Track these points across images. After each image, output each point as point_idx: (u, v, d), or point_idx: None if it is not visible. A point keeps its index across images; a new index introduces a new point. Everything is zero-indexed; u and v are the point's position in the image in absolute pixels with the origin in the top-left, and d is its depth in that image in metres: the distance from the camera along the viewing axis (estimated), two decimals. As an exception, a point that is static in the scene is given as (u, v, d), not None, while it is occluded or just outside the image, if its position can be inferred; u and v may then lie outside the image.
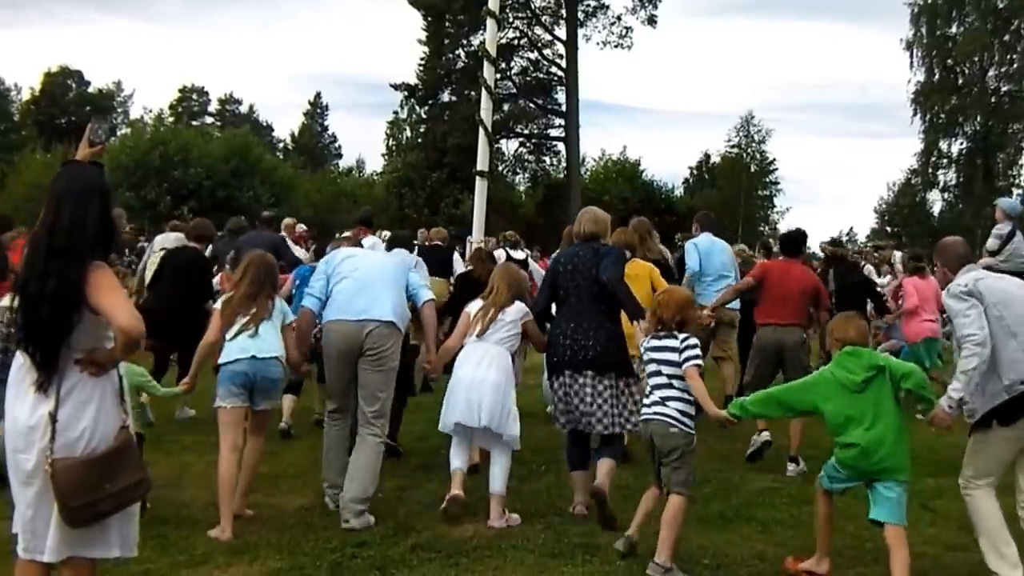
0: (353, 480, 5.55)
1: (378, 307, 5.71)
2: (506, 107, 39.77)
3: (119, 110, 66.48)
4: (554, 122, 42.06)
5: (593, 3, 41.08)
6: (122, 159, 34.67)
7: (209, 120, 69.49)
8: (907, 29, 45.03)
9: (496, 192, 27.06)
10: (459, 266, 10.65)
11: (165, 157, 36.14)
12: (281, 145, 68.71)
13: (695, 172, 59.26)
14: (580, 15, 40.34)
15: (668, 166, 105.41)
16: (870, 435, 4.56)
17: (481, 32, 35.67)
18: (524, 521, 5.55)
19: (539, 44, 41.14)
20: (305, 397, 9.03)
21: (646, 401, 5.08)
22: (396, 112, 51.89)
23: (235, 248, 9.56)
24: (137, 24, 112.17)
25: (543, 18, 40.87)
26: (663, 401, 4.96)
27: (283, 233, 11.80)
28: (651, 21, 41.01)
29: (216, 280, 9.75)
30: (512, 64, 40.65)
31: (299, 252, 9.84)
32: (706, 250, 9.13)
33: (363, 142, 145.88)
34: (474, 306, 6.07)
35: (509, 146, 43.12)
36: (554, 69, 40.92)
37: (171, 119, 58.59)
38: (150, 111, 60.56)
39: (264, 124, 71.53)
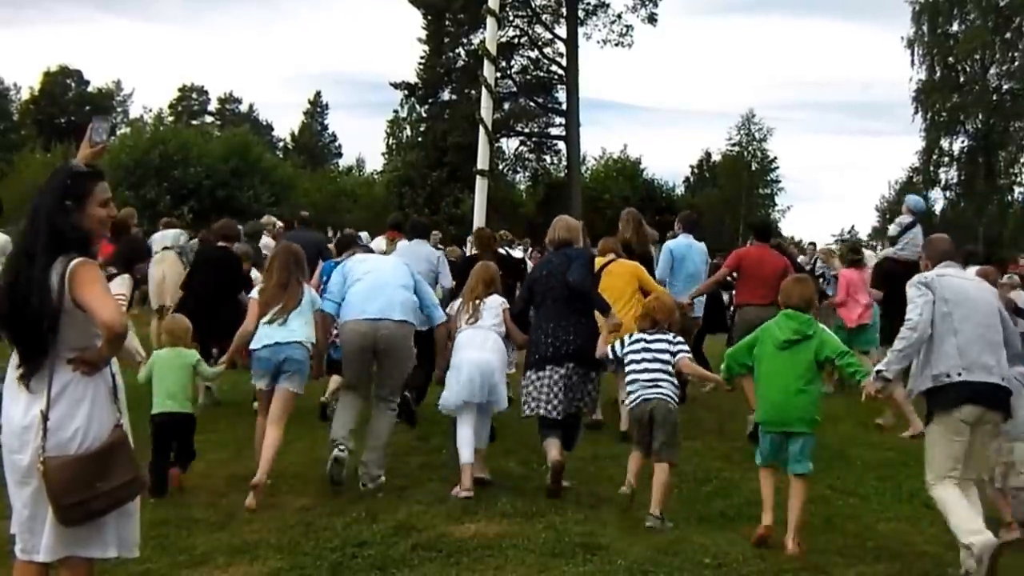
0: (372, 450, 6.30)
1: (391, 307, 6.28)
2: (506, 106, 39.72)
3: (119, 109, 66.42)
4: (554, 121, 41.99)
5: (593, 1, 41.07)
6: (122, 158, 34.60)
7: (209, 119, 69.39)
8: (908, 27, 44.86)
9: (496, 191, 27.06)
10: None
11: (165, 156, 36.02)
12: (281, 144, 68.62)
13: (696, 171, 59.27)
14: (580, 13, 40.25)
15: (669, 165, 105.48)
16: (782, 390, 5.24)
17: (481, 31, 35.61)
18: (525, 520, 5.54)
19: (539, 42, 41.09)
20: (304, 398, 9.03)
21: (638, 385, 5.79)
22: (396, 111, 51.85)
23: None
24: (137, 23, 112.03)
25: (543, 16, 40.80)
26: (657, 383, 5.73)
27: (265, 232, 11.90)
28: (651, 19, 40.96)
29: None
30: (512, 63, 40.60)
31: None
32: (681, 255, 9.32)
33: (363, 141, 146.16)
34: (455, 304, 6.80)
35: (509, 145, 43.10)
36: (554, 68, 40.85)
37: (171, 118, 58.47)
38: (150, 110, 60.56)
39: (264, 123, 71.51)
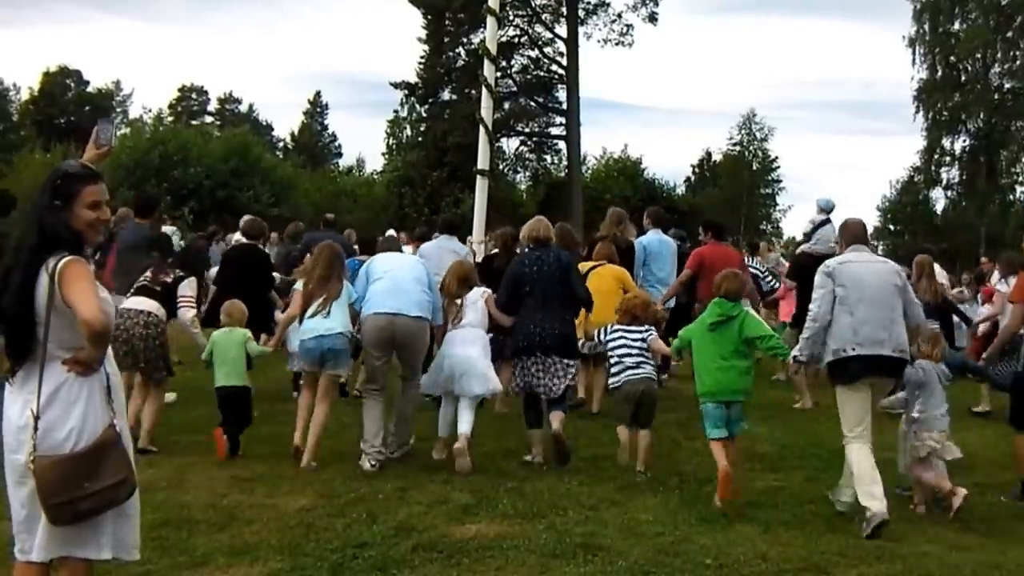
0: (399, 424, 7.18)
1: (407, 304, 6.96)
2: (507, 105, 39.71)
3: (118, 110, 66.40)
4: (555, 120, 42.00)
5: (594, 1, 41.06)
6: (122, 159, 34.57)
7: (209, 119, 69.43)
8: (910, 26, 44.98)
9: (497, 191, 27.01)
10: None
11: (164, 157, 36.03)
12: (281, 144, 68.66)
13: (697, 170, 59.25)
14: (581, 13, 40.26)
15: (670, 164, 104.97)
16: (717, 366, 6.16)
17: (481, 30, 35.60)
18: (526, 521, 5.54)
19: (540, 42, 41.09)
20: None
21: (623, 367, 6.93)
22: (396, 111, 51.79)
23: (304, 247, 10.75)
24: (136, 23, 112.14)
25: (543, 16, 40.81)
26: (640, 366, 6.92)
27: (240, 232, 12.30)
28: (652, 19, 41.00)
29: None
30: (513, 62, 40.61)
31: None
32: (653, 250, 10.18)
33: (363, 141, 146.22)
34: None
35: (510, 145, 43.12)
36: (555, 67, 40.85)
37: (170, 119, 58.46)
38: (149, 111, 60.52)
39: (264, 123, 71.52)
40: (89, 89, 66.12)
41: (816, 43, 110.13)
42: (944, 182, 47.29)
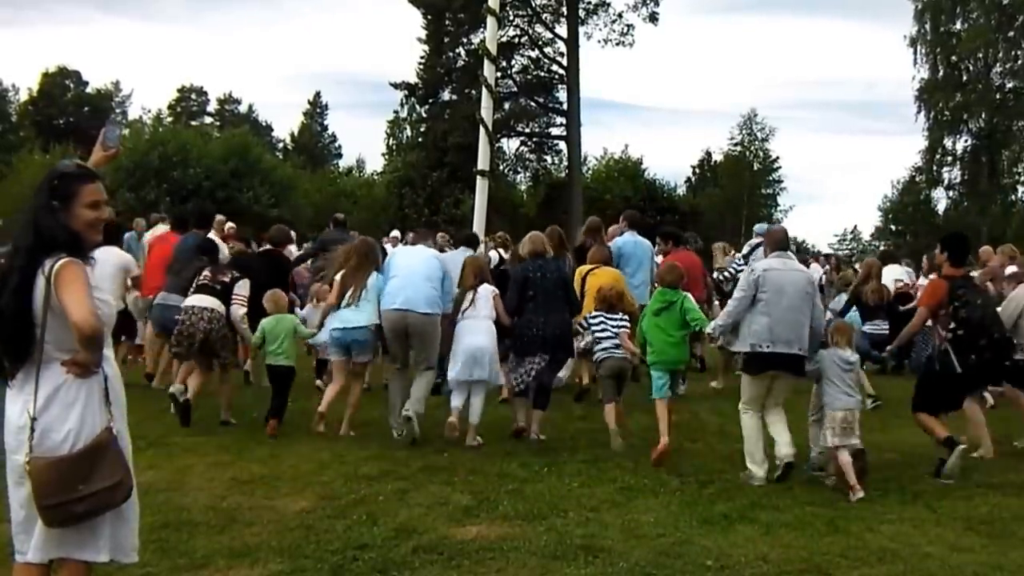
0: (414, 401, 7.78)
1: (416, 301, 7.82)
2: (507, 106, 39.67)
3: (117, 110, 66.37)
4: (555, 120, 41.95)
5: (594, 1, 41.03)
6: (121, 160, 34.46)
7: (208, 120, 69.36)
8: (911, 25, 44.90)
9: (497, 191, 27.01)
10: None
11: (164, 157, 36.00)
12: (281, 145, 68.60)
13: (698, 171, 59.23)
14: (581, 13, 40.20)
15: (670, 165, 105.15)
16: (662, 341, 7.53)
17: (481, 30, 35.58)
18: (526, 523, 5.53)
19: (540, 42, 41.03)
20: (304, 402, 9.02)
21: (607, 347, 7.97)
22: (396, 111, 51.90)
23: (320, 245, 11.51)
24: (136, 23, 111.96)
25: (544, 16, 40.74)
26: (617, 347, 7.95)
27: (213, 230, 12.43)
28: (652, 18, 40.91)
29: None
30: (513, 62, 40.56)
31: (225, 250, 10.26)
32: (629, 253, 10.62)
33: (363, 142, 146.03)
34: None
35: (510, 145, 43.03)
36: (555, 67, 40.78)
37: (170, 119, 58.41)
38: (148, 111, 60.52)
39: (263, 124, 71.46)
40: (88, 90, 66.14)
41: (817, 43, 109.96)
42: (946, 182, 47.28)
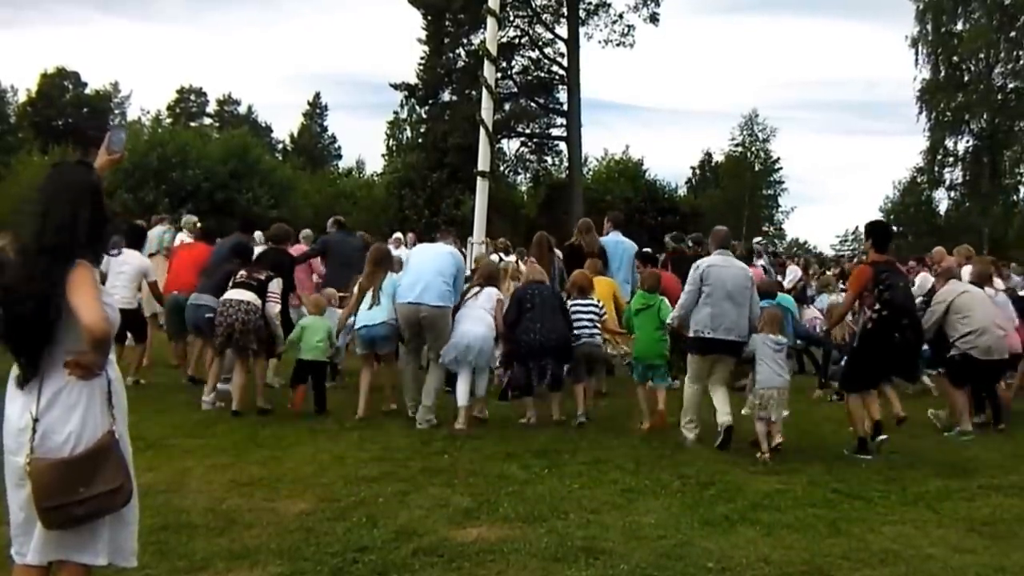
0: (428, 394, 8.60)
1: (427, 294, 8.54)
2: (507, 106, 39.70)
3: (116, 111, 66.34)
4: (556, 121, 41.98)
5: (594, 1, 41.04)
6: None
7: (207, 121, 69.28)
8: (912, 26, 44.86)
9: (497, 192, 26.98)
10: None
11: (163, 159, 35.94)
12: (280, 146, 68.54)
13: (698, 171, 59.27)
14: (581, 13, 40.24)
15: (671, 165, 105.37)
16: (644, 338, 8.72)
17: (481, 31, 35.59)
18: (527, 525, 5.51)
19: (540, 43, 41.06)
20: (302, 405, 9.02)
21: (579, 334, 8.85)
22: (396, 112, 51.87)
23: (322, 246, 11.97)
24: (135, 24, 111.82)
25: (544, 16, 40.78)
26: (592, 335, 8.94)
27: (184, 230, 13.28)
28: (653, 19, 40.97)
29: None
30: (513, 63, 40.58)
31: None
32: (611, 251, 11.18)
33: (363, 143, 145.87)
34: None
35: (510, 146, 43.10)
36: (555, 68, 40.82)
37: (169, 120, 58.28)
38: (147, 112, 60.39)
39: (263, 125, 71.40)
40: (87, 91, 65.98)
41: (818, 43, 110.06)
42: (947, 183, 47.23)
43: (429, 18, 40.10)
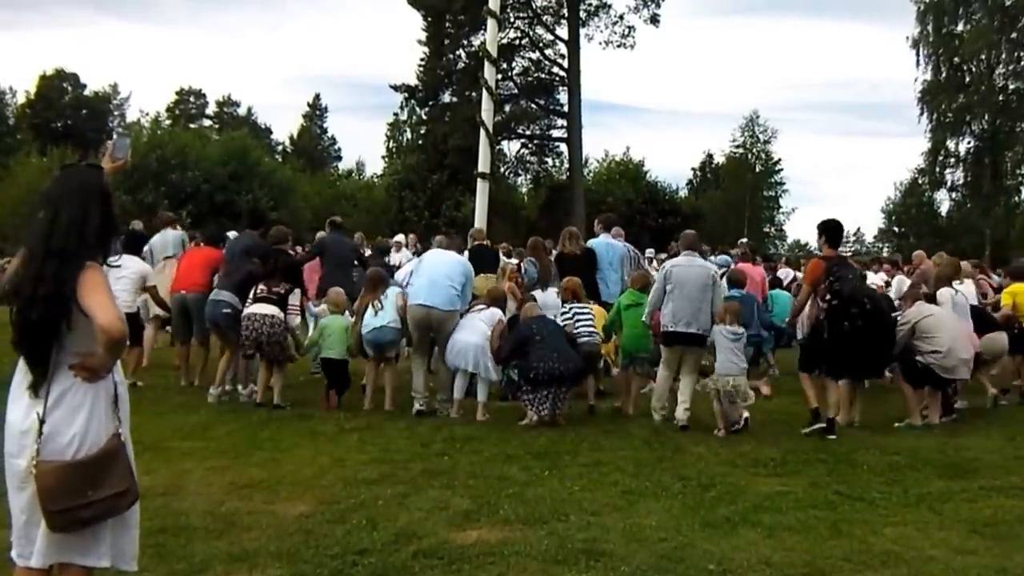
0: (440, 390, 9.43)
1: (437, 298, 9.05)
2: (507, 108, 39.72)
3: (115, 113, 66.29)
4: (556, 123, 42.02)
5: (595, 2, 41.07)
6: (120, 162, 34.55)
7: (207, 123, 69.24)
8: (913, 27, 44.86)
9: (498, 194, 27.02)
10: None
11: (162, 160, 35.95)
12: (280, 148, 68.55)
13: (699, 173, 59.25)
14: (582, 15, 40.27)
15: (672, 167, 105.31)
16: (628, 333, 9.48)
17: (482, 32, 35.61)
18: (527, 527, 5.49)
19: (540, 44, 41.09)
20: (301, 406, 9.01)
21: (577, 332, 9.37)
22: (396, 114, 52.05)
23: (319, 247, 12.33)
24: (135, 25, 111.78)
25: (544, 18, 40.81)
26: (591, 335, 9.44)
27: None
28: (654, 20, 41.01)
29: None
30: (513, 64, 40.63)
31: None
32: (601, 252, 11.46)
33: (363, 144, 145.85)
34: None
35: (511, 147, 43.16)
36: (556, 69, 40.85)
37: (168, 122, 58.16)
38: (147, 114, 60.40)
39: (263, 126, 71.48)
40: (86, 92, 65.84)
41: (819, 45, 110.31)
42: (948, 184, 47.18)
43: (429, 19, 40.13)
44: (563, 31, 40.15)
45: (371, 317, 9.29)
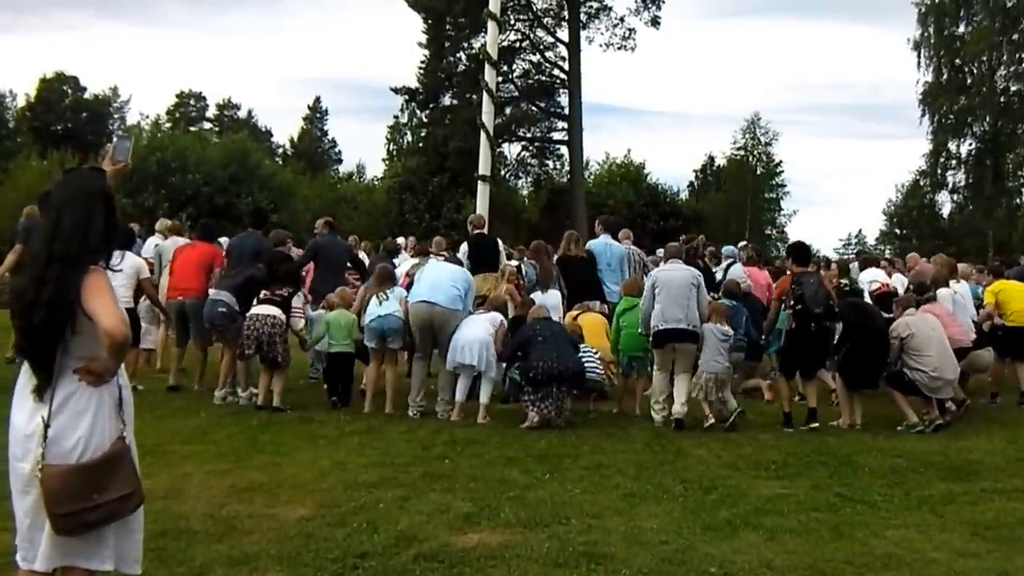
0: (442, 390, 9.42)
1: (440, 296, 9.21)
2: (508, 110, 39.69)
3: (116, 116, 66.17)
4: (557, 125, 41.97)
5: (596, 5, 41.05)
6: (120, 165, 34.53)
7: (207, 125, 69.08)
8: (914, 29, 44.82)
9: (498, 197, 26.97)
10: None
11: (162, 163, 35.85)
12: (280, 150, 68.39)
13: (700, 175, 59.20)
14: (582, 17, 40.25)
15: (673, 169, 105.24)
16: (626, 335, 9.76)
17: (482, 35, 35.59)
18: (528, 530, 5.49)
19: (541, 46, 41.07)
20: (302, 408, 9.01)
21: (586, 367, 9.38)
22: (397, 116, 51.98)
23: (313, 250, 12.03)
24: (135, 28, 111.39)
25: (545, 20, 40.80)
26: (594, 370, 9.32)
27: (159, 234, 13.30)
28: (654, 22, 40.98)
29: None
30: (514, 67, 40.63)
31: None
32: (599, 253, 11.75)
33: (363, 147, 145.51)
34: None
35: (511, 150, 43.09)
36: (556, 72, 40.83)
37: (168, 125, 58.02)
38: (147, 117, 60.42)
39: (263, 129, 71.18)
40: (86, 95, 65.68)
41: (820, 47, 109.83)
42: (950, 185, 47.09)
43: (430, 22, 40.12)
44: (564, 33, 40.15)
45: (375, 306, 9.36)
